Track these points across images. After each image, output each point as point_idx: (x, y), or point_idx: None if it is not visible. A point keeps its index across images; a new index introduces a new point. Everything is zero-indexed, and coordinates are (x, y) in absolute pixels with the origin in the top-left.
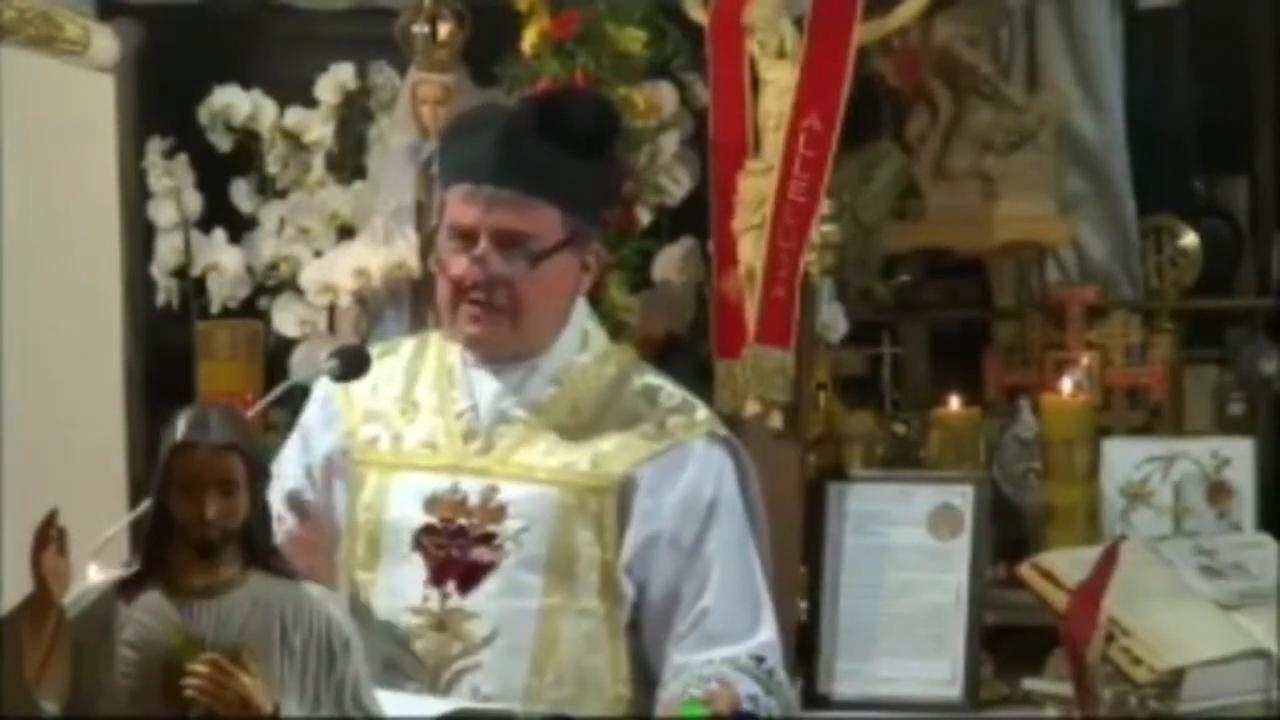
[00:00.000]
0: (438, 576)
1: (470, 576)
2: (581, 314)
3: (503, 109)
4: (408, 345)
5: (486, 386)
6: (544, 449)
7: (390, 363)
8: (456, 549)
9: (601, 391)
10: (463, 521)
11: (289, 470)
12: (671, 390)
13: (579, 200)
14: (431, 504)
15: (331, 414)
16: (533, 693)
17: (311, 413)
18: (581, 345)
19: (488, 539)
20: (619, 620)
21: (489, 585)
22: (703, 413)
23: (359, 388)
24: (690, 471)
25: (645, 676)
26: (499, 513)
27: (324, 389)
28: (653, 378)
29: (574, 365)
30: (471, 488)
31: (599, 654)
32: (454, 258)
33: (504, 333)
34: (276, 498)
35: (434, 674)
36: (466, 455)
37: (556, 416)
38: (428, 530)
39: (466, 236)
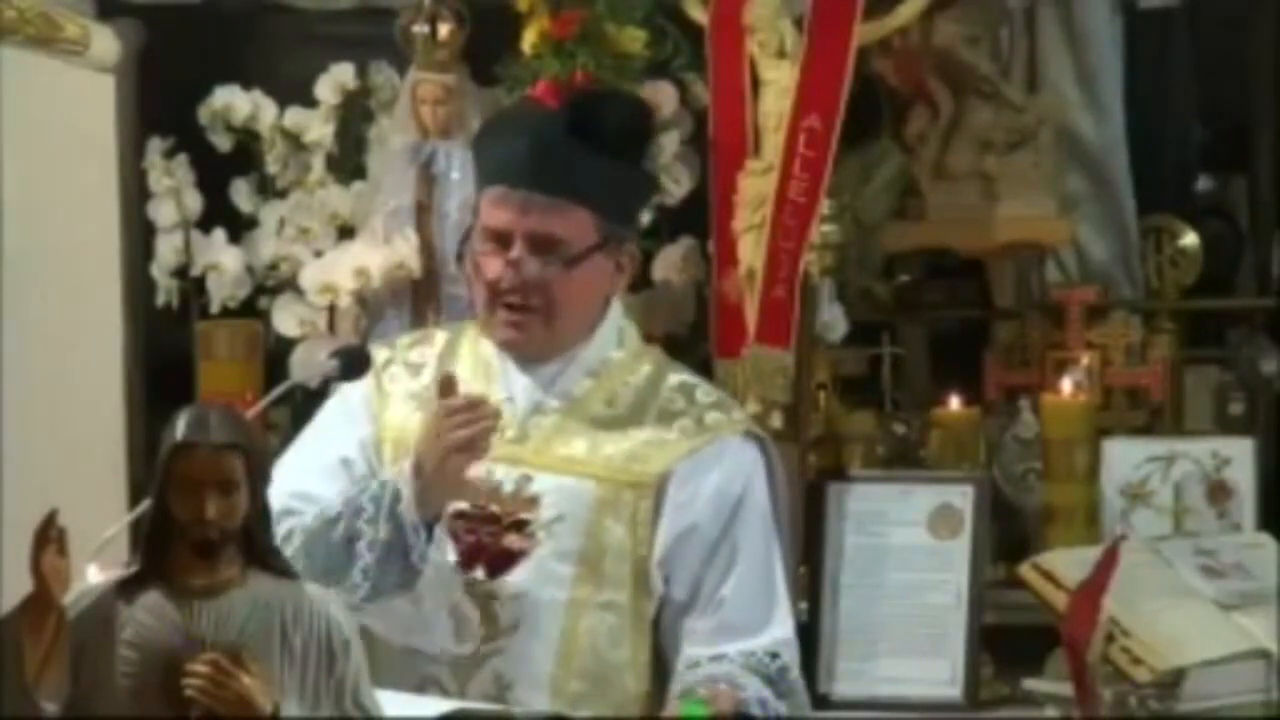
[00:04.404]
0: (467, 561)
1: (500, 563)
2: (617, 312)
3: (539, 108)
4: (441, 336)
5: (522, 379)
6: (580, 441)
7: (423, 351)
8: (488, 535)
9: (638, 387)
10: (495, 508)
11: (333, 444)
12: (708, 388)
13: (612, 202)
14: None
15: (362, 399)
16: (555, 683)
17: (353, 394)
18: (618, 342)
19: (520, 527)
20: (644, 615)
21: (518, 573)
22: (739, 411)
23: (390, 376)
24: (724, 467)
25: (664, 672)
26: (532, 501)
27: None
28: (687, 375)
29: (610, 360)
30: (505, 475)
31: (621, 648)
32: (488, 260)
33: (538, 334)
34: (316, 474)
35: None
36: (501, 443)
37: (592, 409)
38: (459, 515)
39: (501, 239)
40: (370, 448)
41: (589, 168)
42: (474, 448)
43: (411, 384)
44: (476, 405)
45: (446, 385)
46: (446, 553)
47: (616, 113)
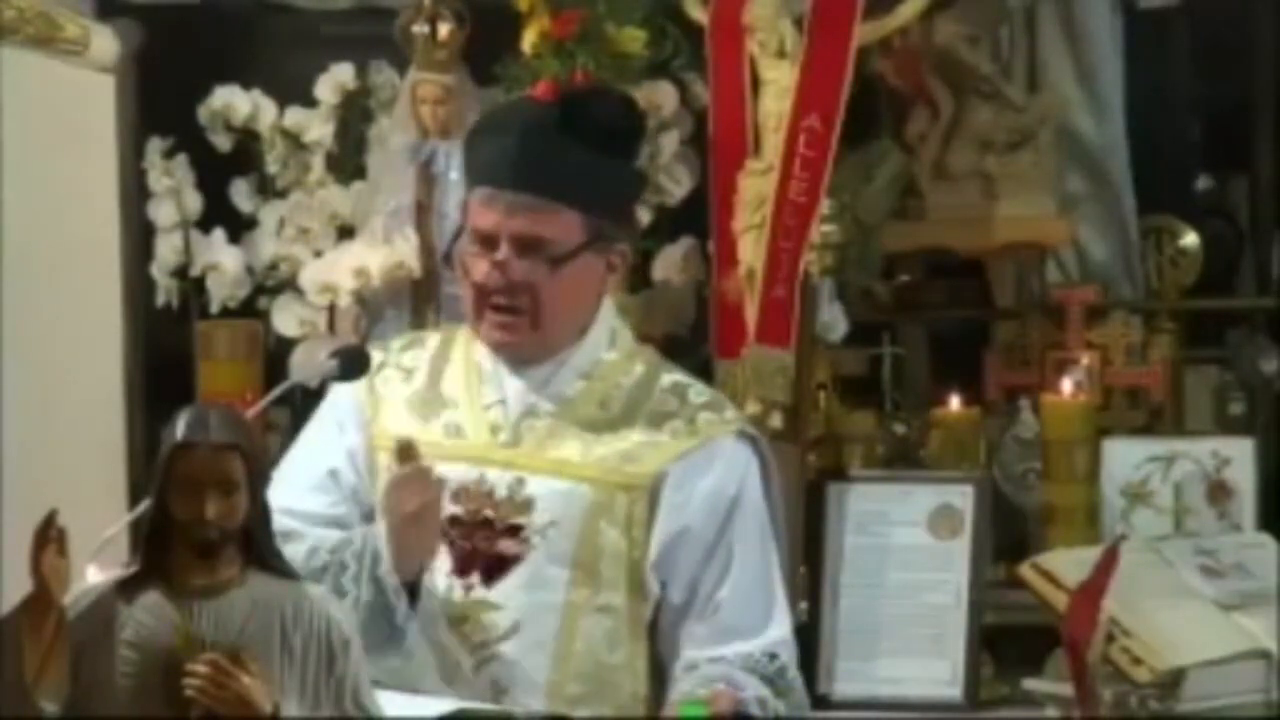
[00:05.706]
0: (462, 568)
1: (495, 568)
2: (609, 312)
3: (527, 108)
4: (433, 339)
5: (515, 381)
6: (573, 444)
7: (416, 354)
8: (482, 540)
9: (631, 388)
10: (489, 513)
11: (321, 457)
12: (700, 388)
13: (600, 201)
14: (458, 495)
15: (353, 405)
16: (553, 687)
17: (343, 401)
18: (610, 342)
19: (514, 531)
20: (641, 618)
21: (514, 578)
22: (731, 411)
23: (383, 379)
24: (718, 468)
25: (662, 675)
26: (526, 506)
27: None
28: (680, 375)
29: (602, 361)
30: (499, 479)
31: (619, 651)
32: (476, 262)
33: (526, 335)
34: (305, 483)
35: (453, 665)
36: (494, 447)
37: (585, 411)
38: (453, 521)
39: (487, 241)
40: (360, 456)
41: (576, 166)
42: (423, 519)
43: (404, 389)
44: (423, 476)
45: (403, 452)
46: (434, 598)
47: (605, 109)
